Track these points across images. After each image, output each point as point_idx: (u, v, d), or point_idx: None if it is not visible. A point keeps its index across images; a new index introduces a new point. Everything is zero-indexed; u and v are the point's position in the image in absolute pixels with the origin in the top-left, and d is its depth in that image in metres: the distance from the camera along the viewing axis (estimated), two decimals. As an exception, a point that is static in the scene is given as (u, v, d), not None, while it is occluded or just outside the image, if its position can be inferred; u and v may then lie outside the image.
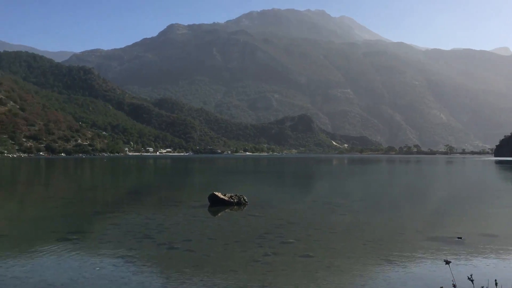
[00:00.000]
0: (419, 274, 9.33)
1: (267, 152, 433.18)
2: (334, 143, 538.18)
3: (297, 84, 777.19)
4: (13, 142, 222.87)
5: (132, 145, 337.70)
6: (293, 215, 18.18)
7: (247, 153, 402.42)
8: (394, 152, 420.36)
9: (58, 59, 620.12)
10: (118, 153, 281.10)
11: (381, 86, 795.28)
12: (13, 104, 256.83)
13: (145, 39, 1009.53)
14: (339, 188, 36.03)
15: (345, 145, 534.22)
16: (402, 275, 9.20)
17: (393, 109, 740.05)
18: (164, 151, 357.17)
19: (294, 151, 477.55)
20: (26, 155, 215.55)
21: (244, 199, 20.70)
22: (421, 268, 9.85)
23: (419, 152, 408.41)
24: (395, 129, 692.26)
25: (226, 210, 19.04)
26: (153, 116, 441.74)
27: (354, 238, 13.29)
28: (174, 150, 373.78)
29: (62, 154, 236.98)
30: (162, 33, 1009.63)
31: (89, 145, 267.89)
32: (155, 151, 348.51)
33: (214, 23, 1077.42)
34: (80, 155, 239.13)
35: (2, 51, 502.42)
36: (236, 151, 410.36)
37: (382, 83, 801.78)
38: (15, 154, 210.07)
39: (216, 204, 20.22)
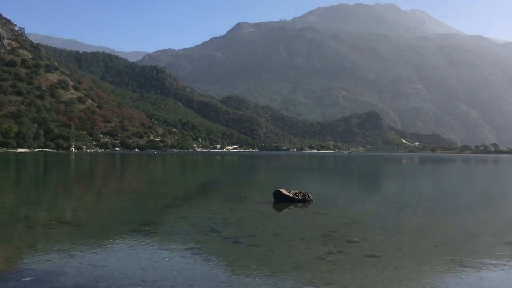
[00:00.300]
0: (495, 280, 8.83)
1: (333, 150, 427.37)
2: (404, 141, 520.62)
3: (365, 80, 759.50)
4: (91, 138, 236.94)
5: (201, 142, 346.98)
6: (359, 214, 17.84)
7: (312, 150, 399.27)
8: (469, 151, 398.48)
9: (132, 59, 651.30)
10: (187, 149, 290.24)
11: (455, 82, 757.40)
12: (92, 102, 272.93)
13: (213, 38, 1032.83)
14: (408, 188, 34.81)
15: (416, 143, 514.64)
16: (476, 280, 8.74)
17: (469, 106, 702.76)
18: (230, 147, 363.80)
19: (361, 149, 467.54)
20: (103, 150, 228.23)
21: (309, 196, 20.60)
22: (497, 273, 9.31)
23: (497, 151, 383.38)
24: (471, 126, 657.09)
25: (291, 207, 19.05)
26: (221, 113, 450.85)
27: (424, 239, 12.80)
28: (240, 146, 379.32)
29: (136, 149, 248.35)
30: (230, 32, 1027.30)
31: (161, 141, 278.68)
32: (222, 147, 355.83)
33: (280, 20, 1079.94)
34: (152, 150, 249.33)
35: (82, 52, 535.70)
36: (301, 148, 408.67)
37: (457, 78, 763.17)
38: (93, 149, 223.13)
39: (280, 200, 20.29)
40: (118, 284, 8.11)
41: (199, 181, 39.65)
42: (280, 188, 21.13)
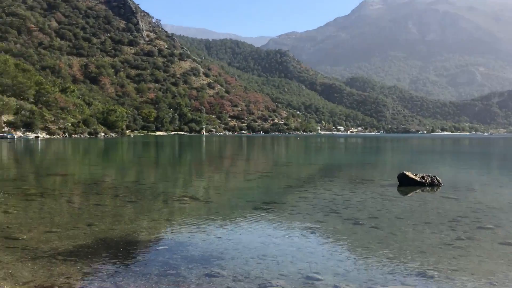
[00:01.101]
0: None
1: (469, 132, 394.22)
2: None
3: (508, 54, 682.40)
4: (220, 122, 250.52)
5: (324, 124, 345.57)
6: (495, 200, 16.31)
7: (445, 132, 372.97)
8: None
9: (257, 44, 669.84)
10: (310, 131, 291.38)
11: None
12: (220, 87, 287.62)
13: (337, 18, 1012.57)
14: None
15: None
16: None
17: None
18: (354, 130, 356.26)
19: (502, 130, 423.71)
20: (230, 133, 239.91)
21: (437, 180, 19.38)
22: None
23: None
24: None
25: (417, 191, 18.13)
26: (344, 95, 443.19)
27: None
28: (365, 129, 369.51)
29: (261, 132, 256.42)
30: (355, 11, 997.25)
31: (284, 124, 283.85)
32: (345, 130, 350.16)
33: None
34: (276, 133, 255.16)
35: (211, 40, 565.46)
36: (432, 130, 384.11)
37: None
38: (222, 132, 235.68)
39: (406, 183, 19.42)
40: (241, 257, 8.57)
41: (322, 163, 39.65)
42: (406, 171, 20.21)
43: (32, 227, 10.97)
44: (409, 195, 17.48)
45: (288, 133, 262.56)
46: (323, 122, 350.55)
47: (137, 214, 13.11)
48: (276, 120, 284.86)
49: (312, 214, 13.07)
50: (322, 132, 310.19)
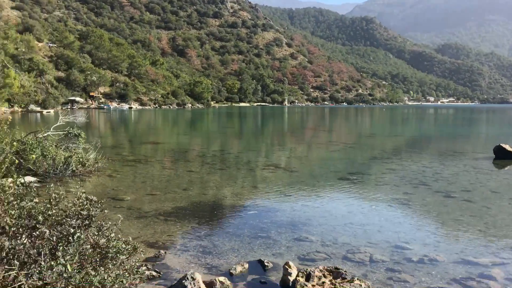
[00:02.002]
0: None
1: None
2: None
3: None
4: (302, 93, 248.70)
5: (412, 95, 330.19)
6: None
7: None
8: None
9: (342, 12, 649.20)
10: (397, 102, 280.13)
11: None
12: (303, 57, 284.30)
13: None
14: None
15: None
16: None
17: None
18: (446, 100, 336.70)
19: None
20: (312, 104, 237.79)
21: (539, 154, 18.02)
22: None
23: None
24: None
25: (515, 165, 17.04)
26: (435, 63, 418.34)
27: None
28: (457, 99, 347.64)
29: (344, 103, 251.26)
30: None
31: (369, 94, 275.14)
32: (436, 100, 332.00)
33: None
34: (360, 104, 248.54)
35: (294, 9, 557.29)
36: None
37: None
38: (304, 103, 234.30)
39: (503, 157, 18.28)
40: (328, 224, 8.78)
41: (409, 135, 38.26)
42: (503, 143, 18.99)
43: (134, 189, 11.99)
44: (506, 168, 16.50)
45: (373, 104, 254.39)
46: (411, 92, 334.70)
47: (225, 180, 13.77)
48: (360, 91, 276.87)
49: (399, 186, 12.88)
50: (410, 103, 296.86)
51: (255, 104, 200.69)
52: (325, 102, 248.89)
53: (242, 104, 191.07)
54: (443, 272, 6.33)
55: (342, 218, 9.29)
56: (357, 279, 4.98)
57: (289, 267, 5.81)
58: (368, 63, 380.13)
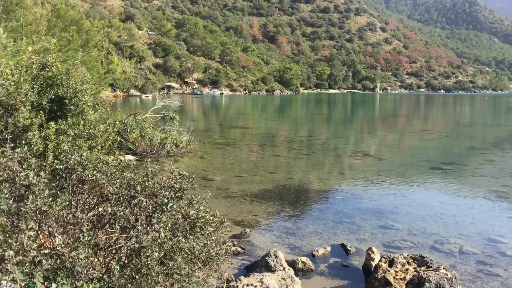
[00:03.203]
0: None
1: None
2: None
3: None
4: (396, 79, 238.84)
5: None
6: None
7: None
8: None
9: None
10: (501, 90, 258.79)
11: None
12: (398, 42, 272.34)
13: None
14: None
15: None
16: None
17: None
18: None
19: None
20: (407, 91, 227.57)
21: None
22: None
23: None
24: None
25: None
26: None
27: None
28: None
29: (442, 91, 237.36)
30: None
31: (470, 81, 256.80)
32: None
33: None
34: (460, 92, 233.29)
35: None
36: None
37: None
38: (397, 90, 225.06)
39: None
40: (416, 213, 8.50)
41: (514, 125, 35.31)
42: None
43: (223, 171, 12.48)
44: None
45: (474, 92, 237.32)
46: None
47: (312, 166, 13.80)
48: (460, 77, 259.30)
49: (498, 178, 12.04)
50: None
51: (345, 91, 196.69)
52: (421, 89, 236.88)
53: (331, 91, 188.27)
54: (542, 269, 5.89)
55: (432, 208, 8.93)
56: (443, 268, 4.81)
57: (372, 252, 5.77)
58: (470, 48, 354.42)
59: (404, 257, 5.27)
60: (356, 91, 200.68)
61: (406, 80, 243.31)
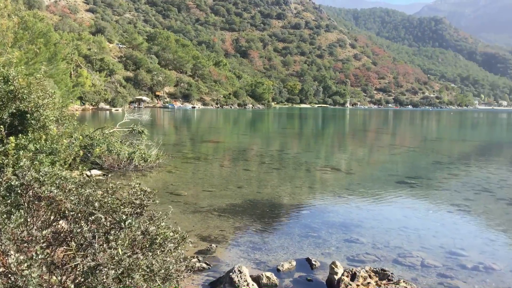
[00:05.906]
0: None
1: None
2: None
3: None
4: (365, 94, 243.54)
5: (483, 98, 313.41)
6: None
7: None
8: None
9: (409, 12, 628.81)
10: (466, 106, 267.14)
11: None
12: (367, 58, 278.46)
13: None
14: None
15: None
16: None
17: None
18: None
19: None
20: (376, 106, 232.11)
21: None
22: None
23: None
24: None
25: None
26: (510, 65, 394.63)
27: None
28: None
29: (409, 106, 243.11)
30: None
31: (436, 97, 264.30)
32: (509, 104, 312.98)
33: None
34: (427, 107, 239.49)
35: (359, 9, 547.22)
36: None
37: None
38: (366, 105, 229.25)
39: None
40: (381, 227, 8.64)
41: (478, 140, 36.45)
42: None
43: (192, 185, 12.41)
44: None
45: (441, 107, 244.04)
46: (482, 95, 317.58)
47: (281, 180, 13.87)
48: (427, 93, 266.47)
49: (461, 192, 12.39)
50: (480, 107, 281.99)
51: (316, 105, 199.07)
52: (389, 105, 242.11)
53: (302, 105, 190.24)
54: (498, 280, 6.07)
55: (396, 222, 9.10)
56: (403, 281, 4.91)
57: (335, 266, 5.82)
58: (436, 65, 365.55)
59: (366, 270, 5.35)
60: (327, 105, 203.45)
61: (375, 95, 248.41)
